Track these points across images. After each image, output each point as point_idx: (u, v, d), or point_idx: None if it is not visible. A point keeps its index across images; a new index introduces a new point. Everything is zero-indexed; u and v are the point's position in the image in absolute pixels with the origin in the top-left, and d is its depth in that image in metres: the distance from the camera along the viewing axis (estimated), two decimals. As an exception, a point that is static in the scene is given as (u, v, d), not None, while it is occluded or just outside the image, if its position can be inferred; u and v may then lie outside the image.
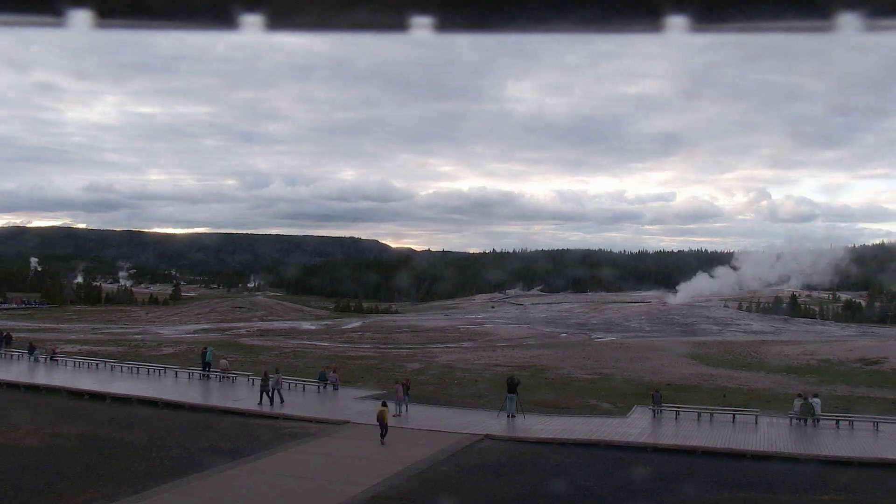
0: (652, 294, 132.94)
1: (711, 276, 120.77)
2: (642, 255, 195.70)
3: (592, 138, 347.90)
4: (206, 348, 33.60)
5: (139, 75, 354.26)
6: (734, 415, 23.69)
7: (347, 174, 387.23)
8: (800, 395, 24.64)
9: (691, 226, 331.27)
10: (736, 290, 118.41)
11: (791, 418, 23.43)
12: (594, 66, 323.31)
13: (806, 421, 23.13)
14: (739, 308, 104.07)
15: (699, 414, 24.00)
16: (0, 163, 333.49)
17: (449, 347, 55.10)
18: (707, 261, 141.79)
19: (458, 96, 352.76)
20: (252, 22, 1.98)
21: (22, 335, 54.46)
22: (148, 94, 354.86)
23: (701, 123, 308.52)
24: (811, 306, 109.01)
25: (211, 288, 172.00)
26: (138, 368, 32.96)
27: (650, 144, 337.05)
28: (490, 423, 22.55)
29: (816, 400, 23.97)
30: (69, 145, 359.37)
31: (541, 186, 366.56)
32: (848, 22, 1.98)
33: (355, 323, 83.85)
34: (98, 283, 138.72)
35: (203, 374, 31.31)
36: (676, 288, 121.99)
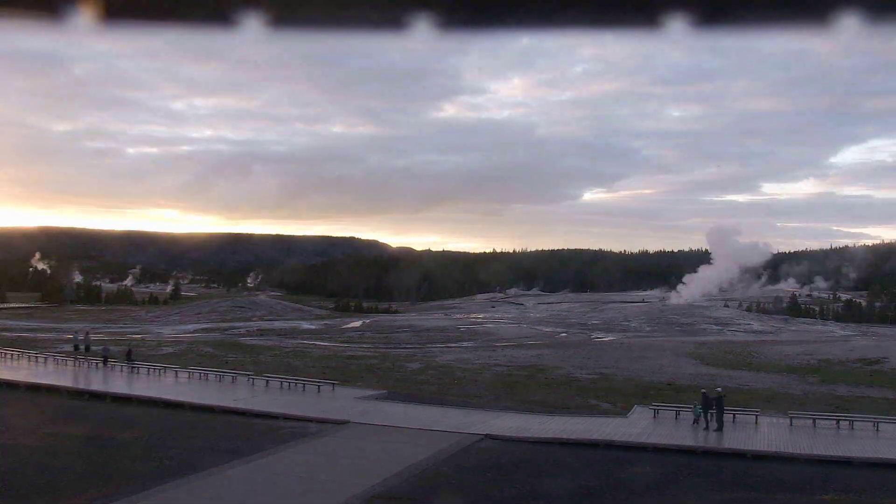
0: (652, 294, 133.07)
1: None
2: (642, 255, 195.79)
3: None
4: None
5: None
6: (734, 415, 23.68)
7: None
8: None
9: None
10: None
11: None
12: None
13: None
14: (740, 308, 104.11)
15: (699, 414, 23.98)
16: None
17: (449, 347, 55.09)
18: (706, 260, 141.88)
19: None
20: (252, 22, 1.98)
21: (24, 335, 54.53)
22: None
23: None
24: (811, 306, 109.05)
25: (211, 287, 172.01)
26: (139, 368, 32.97)
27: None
28: (490, 422, 22.54)
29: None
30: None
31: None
32: (848, 22, 1.98)
33: (355, 322, 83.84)
34: (98, 283, 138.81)
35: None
36: (678, 288, 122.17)
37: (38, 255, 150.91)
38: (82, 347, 38.50)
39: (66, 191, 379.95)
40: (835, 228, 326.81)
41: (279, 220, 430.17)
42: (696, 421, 22.51)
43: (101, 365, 33.72)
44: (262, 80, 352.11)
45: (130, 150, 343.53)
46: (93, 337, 43.97)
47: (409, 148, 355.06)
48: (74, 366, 34.65)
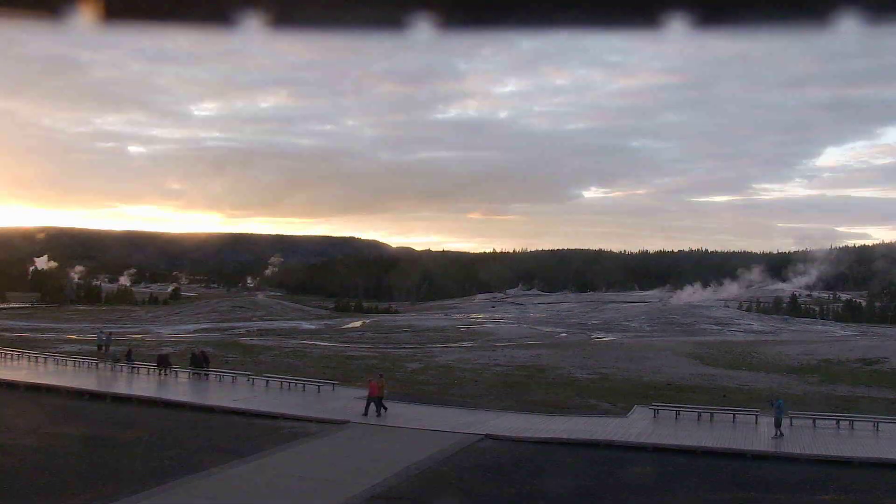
0: (652, 294, 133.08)
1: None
2: (643, 256, 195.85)
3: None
4: None
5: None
6: (734, 415, 23.69)
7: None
8: None
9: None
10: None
11: None
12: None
13: None
14: (740, 308, 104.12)
15: (699, 414, 23.99)
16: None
17: (449, 347, 55.10)
18: (706, 260, 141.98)
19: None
20: (252, 22, 1.98)
21: (25, 335, 54.52)
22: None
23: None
24: (811, 306, 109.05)
25: (211, 287, 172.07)
26: (138, 368, 32.97)
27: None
28: (490, 422, 22.54)
29: None
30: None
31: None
32: (847, 23, 1.98)
33: (355, 322, 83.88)
34: (98, 283, 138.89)
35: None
36: (673, 293, 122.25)
37: (45, 258, 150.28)
38: (105, 347, 38.19)
39: (71, 190, 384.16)
40: (838, 229, 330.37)
41: (279, 221, 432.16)
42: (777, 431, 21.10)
43: (123, 365, 33.46)
44: (271, 83, 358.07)
45: (141, 151, 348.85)
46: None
47: (412, 148, 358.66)
48: (98, 365, 34.27)
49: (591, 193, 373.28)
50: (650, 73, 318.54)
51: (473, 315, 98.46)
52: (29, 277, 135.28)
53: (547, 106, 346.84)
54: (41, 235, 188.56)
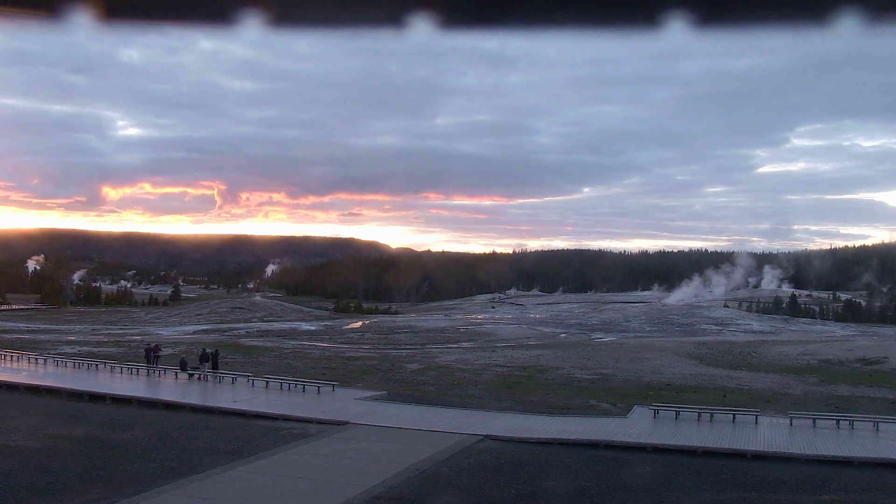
0: (652, 294, 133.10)
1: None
2: (643, 256, 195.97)
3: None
4: None
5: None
6: (734, 415, 23.69)
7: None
8: None
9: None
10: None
11: None
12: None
13: None
14: (739, 308, 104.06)
15: (699, 414, 23.99)
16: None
17: (449, 348, 55.08)
18: (706, 260, 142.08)
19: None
20: (252, 21, 1.98)
21: (25, 337, 54.48)
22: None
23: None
24: (811, 306, 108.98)
25: (211, 289, 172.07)
26: (138, 369, 32.97)
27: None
28: (490, 423, 22.55)
29: None
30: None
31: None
32: (847, 23, 1.98)
33: (355, 323, 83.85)
34: (97, 284, 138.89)
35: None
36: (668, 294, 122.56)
37: (40, 258, 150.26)
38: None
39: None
40: (842, 231, 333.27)
41: (280, 221, 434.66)
42: None
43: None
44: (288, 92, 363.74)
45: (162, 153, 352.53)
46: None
47: (413, 146, 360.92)
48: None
49: (591, 193, 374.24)
50: (648, 73, 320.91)
51: (473, 316, 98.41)
52: (28, 279, 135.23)
53: (545, 105, 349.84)
54: (41, 237, 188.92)
